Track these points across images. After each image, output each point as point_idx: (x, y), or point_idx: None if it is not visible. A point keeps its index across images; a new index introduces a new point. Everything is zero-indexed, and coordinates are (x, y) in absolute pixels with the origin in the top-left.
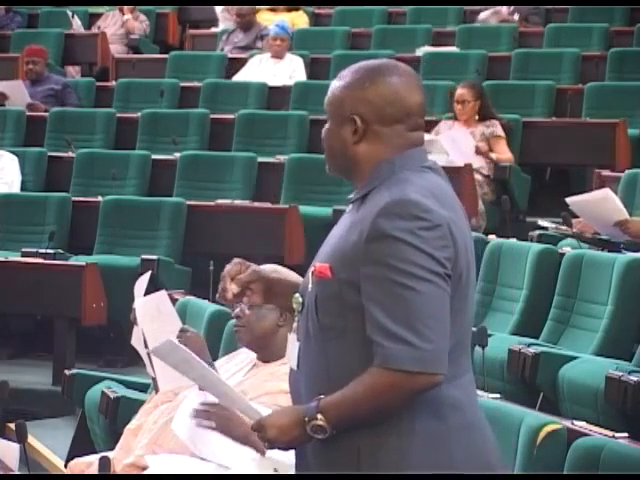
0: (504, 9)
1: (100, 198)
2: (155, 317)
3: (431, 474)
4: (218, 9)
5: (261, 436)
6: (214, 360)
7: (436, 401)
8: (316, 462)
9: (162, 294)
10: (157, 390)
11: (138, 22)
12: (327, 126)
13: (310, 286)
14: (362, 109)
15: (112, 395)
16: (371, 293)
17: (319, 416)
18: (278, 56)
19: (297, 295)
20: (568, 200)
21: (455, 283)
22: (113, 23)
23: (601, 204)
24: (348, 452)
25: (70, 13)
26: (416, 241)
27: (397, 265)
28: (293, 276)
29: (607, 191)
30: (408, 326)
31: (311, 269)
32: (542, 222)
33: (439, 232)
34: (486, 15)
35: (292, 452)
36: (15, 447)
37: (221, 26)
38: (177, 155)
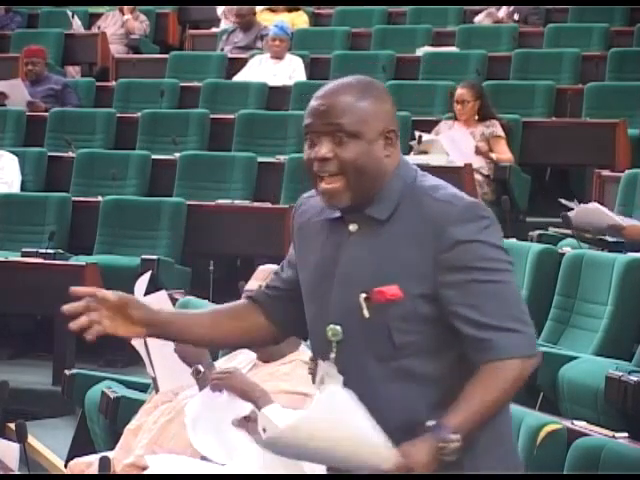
0: (502, 11)
1: (100, 198)
2: None
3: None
4: (219, 10)
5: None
6: (214, 360)
7: None
8: None
9: (162, 294)
10: (157, 390)
11: (138, 22)
12: (353, 146)
13: (366, 312)
14: (392, 122)
15: (112, 395)
16: (459, 298)
17: (454, 437)
18: (277, 56)
19: (332, 326)
20: (562, 214)
21: None
22: (113, 23)
23: (592, 213)
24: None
25: (70, 13)
26: (487, 238)
27: (480, 265)
28: None
29: (596, 205)
30: (507, 315)
31: (362, 296)
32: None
33: (497, 225)
34: (481, 18)
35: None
36: (15, 447)
37: (222, 26)
38: (177, 155)
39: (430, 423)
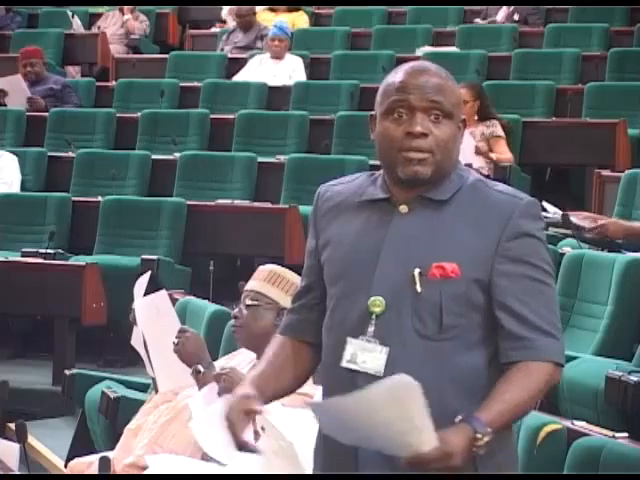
0: (502, 11)
1: (100, 198)
2: (155, 317)
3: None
4: (224, 10)
5: (443, 465)
6: (214, 360)
7: None
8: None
9: (162, 294)
10: (157, 390)
11: (138, 22)
12: (444, 126)
13: (419, 287)
14: (461, 109)
15: (112, 395)
16: (511, 289)
17: (490, 430)
18: (277, 56)
19: (375, 297)
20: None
21: None
22: (113, 23)
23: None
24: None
25: (70, 13)
26: (544, 239)
27: (536, 263)
28: (290, 275)
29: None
30: (550, 320)
31: (417, 270)
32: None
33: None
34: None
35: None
36: (15, 447)
37: (230, 26)
38: (177, 155)
39: (463, 415)
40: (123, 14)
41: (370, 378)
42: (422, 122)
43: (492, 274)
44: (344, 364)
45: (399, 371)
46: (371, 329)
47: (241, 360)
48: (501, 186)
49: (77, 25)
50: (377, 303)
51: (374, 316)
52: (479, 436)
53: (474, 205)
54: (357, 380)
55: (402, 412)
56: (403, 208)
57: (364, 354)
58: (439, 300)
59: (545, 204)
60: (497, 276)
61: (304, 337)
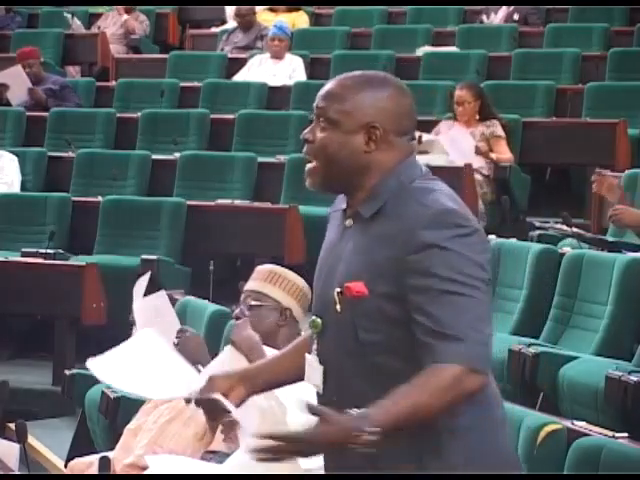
0: (501, 11)
1: (100, 198)
2: (154, 318)
3: (429, 474)
4: (228, 10)
5: (303, 448)
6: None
7: (485, 397)
8: (373, 467)
9: (161, 294)
10: None
11: (138, 22)
12: (327, 133)
13: (338, 307)
14: (382, 118)
15: (112, 395)
16: (421, 303)
17: (371, 429)
18: (277, 56)
19: (314, 318)
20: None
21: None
22: (113, 23)
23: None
24: (409, 457)
25: (69, 15)
26: (460, 249)
27: (444, 274)
28: (291, 275)
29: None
30: (460, 325)
31: (336, 290)
32: (539, 223)
33: (478, 237)
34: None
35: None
36: (15, 447)
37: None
38: (177, 155)
39: (356, 410)
40: (120, 14)
41: (318, 394)
42: (311, 128)
43: (403, 289)
44: (305, 380)
45: (333, 387)
46: (314, 347)
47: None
48: (427, 195)
49: (77, 25)
50: (315, 323)
51: (314, 335)
52: (357, 434)
53: (392, 220)
54: (316, 396)
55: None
56: (349, 222)
57: (313, 371)
58: (352, 319)
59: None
60: (408, 290)
61: None
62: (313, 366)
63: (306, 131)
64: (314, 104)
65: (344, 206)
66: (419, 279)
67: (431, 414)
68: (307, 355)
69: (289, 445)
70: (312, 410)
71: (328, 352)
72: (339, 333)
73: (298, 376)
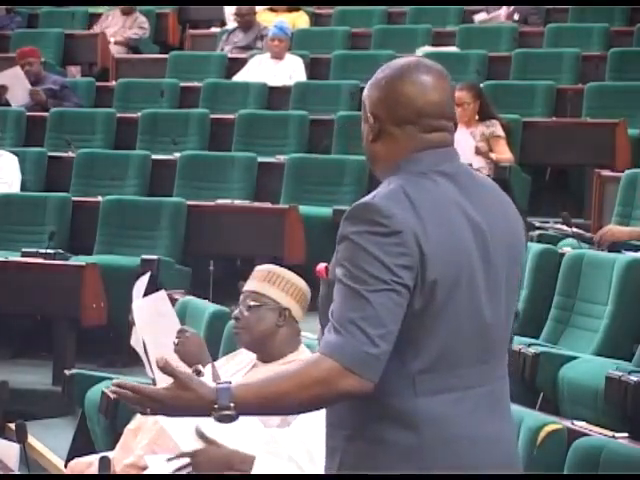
0: (502, 14)
1: (100, 198)
2: (154, 318)
3: (428, 474)
4: (227, 11)
5: (155, 406)
6: (214, 360)
7: (409, 413)
8: None
9: (161, 294)
10: None
11: (138, 28)
12: (363, 123)
13: (322, 284)
14: (377, 108)
15: (112, 395)
16: (335, 291)
17: (228, 404)
18: (277, 57)
19: None
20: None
21: (426, 294)
22: (114, 23)
23: None
24: (331, 453)
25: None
26: (367, 245)
27: (349, 268)
28: (289, 275)
29: None
30: (343, 324)
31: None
32: (539, 223)
33: (396, 239)
34: (482, 16)
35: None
36: (15, 447)
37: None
38: (177, 155)
39: (223, 384)
40: (123, 14)
41: None
42: None
43: None
44: None
45: None
46: None
47: (241, 360)
48: (375, 190)
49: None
50: None
51: None
52: (216, 406)
53: None
54: None
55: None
56: None
57: None
58: (318, 298)
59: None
60: None
61: None
62: None
63: None
64: None
65: None
66: (338, 268)
67: (296, 403)
68: None
69: (144, 399)
70: (168, 370)
71: None
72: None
73: None
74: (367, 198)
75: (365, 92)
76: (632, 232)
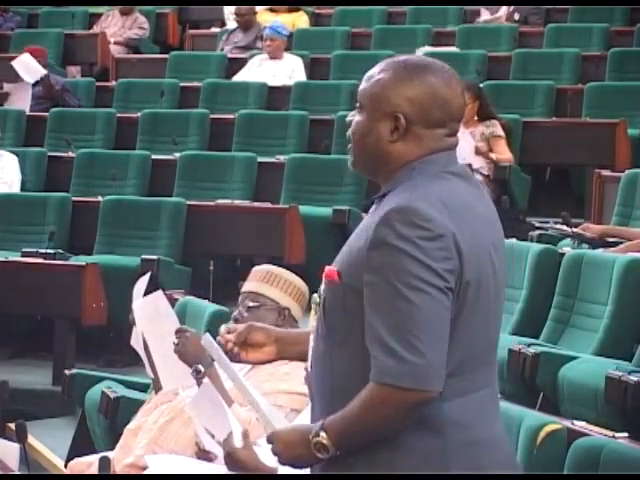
0: (502, 14)
1: (100, 198)
2: (154, 318)
3: (429, 474)
4: (228, 11)
5: (271, 449)
6: (214, 361)
7: (435, 418)
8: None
9: (159, 294)
10: (157, 391)
11: (137, 28)
12: (359, 117)
13: (322, 286)
14: (408, 108)
15: (112, 395)
16: (369, 301)
17: (322, 434)
18: (272, 56)
19: (315, 295)
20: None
21: (461, 296)
22: (113, 23)
23: None
24: (341, 467)
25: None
26: (415, 251)
27: (394, 275)
28: (287, 275)
29: None
30: (400, 339)
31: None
32: (539, 223)
33: (441, 243)
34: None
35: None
36: (15, 447)
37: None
38: (177, 155)
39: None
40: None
41: (307, 373)
42: (353, 111)
43: (363, 283)
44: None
45: (314, 368)
46: (314, 324)
47: None
48: (404, 193)
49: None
50: (314, 300)
51: (314, 313)
52: (310, 437)
53: (377, 212)
54: (308, 375)
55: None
56: (372, 208)
57: (309, 350)
58: (324, 302)
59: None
60: (364, 286)
61: None
62: (310, 345)
63: (352, 112)
64: None
65: None
66: (370, 277)
67: (370, 431)
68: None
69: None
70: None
71: (316, 332)
72: (320, 314)
73: None
74: (402, 202)
75: (381, 87)
76: (607, 228)
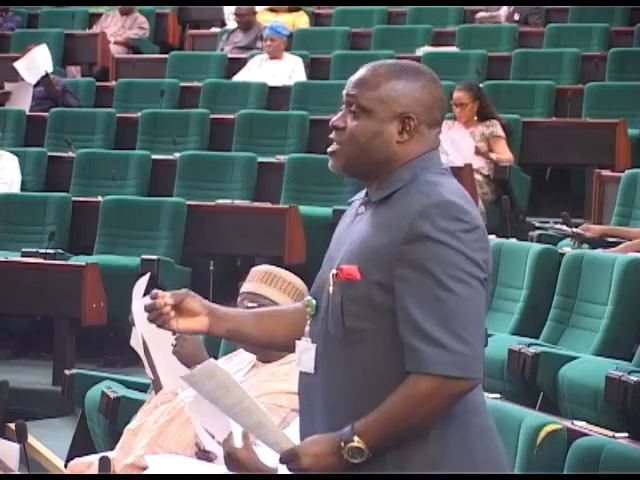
0: (502, 13)
1: (100, 198)
2: None
3: (426, 474)
4: (228, 11)
5: (294, 466)
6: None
7: (461, 407)
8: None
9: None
10: (157, 391)
11: (137, 28)
12: (361, 120)
13: (331, 289)
14: (416, 109)
15: (112, 395)
16: (407, 295)
17: (356, 438)
18: (272, 56)
19: (309, 298)
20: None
21: (487, 286)
22: (114, 23)
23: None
24: (374, 464)
25: None
26: (456, 243)
27: (436, 267)
28: (286, 275)
29: None
30: (446, 329)
31: (332, 272)
32: (539, 223)
33: (477, 234)
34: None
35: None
36: (15, 447)
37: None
38: (177, 155)
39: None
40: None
41: (309, 377)
42: (341, 115)
43: (393, 278)
44: (297, 366)
45: (323, 371)
46: (307, 329)
47: (241, 360)
48: (432, 187)
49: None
50: (309, 303)
51: (308, 316)
52: (342, 444)
53: (395, 207)
54: (303, 380)
55: (232, 398)
56: (362, 208)
57: (305, 354)
58: (341, 302)
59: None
60: (396, 280)
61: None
62: (304, 349)
63: (336, 118)
64: (344, 91)
65: (362, 196)
66: (408, 271)
67: (413, 426)
68: (297, 342)
69: (290, 464)
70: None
71: (318, 334)
72: (329, 316)
73: (266, 340)
74: (437, 196)
75: (390, 90)
76: (607, 229)
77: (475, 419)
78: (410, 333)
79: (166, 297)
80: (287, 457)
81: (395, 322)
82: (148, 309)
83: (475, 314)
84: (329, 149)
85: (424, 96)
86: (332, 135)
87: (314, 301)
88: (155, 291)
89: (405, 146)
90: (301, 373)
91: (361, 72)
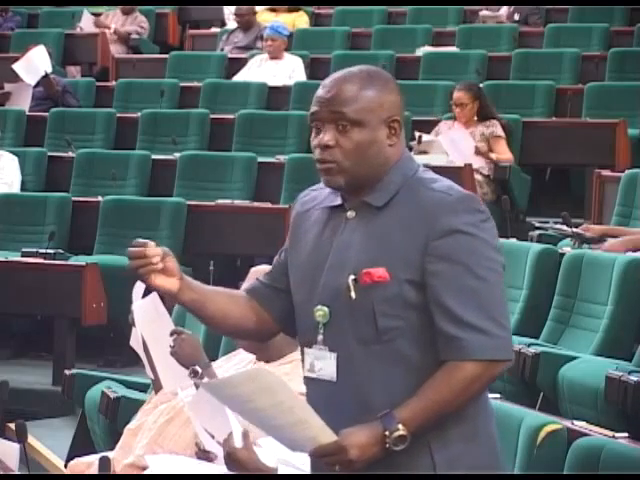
0: (503, 13)
1: (100, 198)
2: (153, 319)
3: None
4: (228, 11)
5: (339, 459)
6: (212, 361)
7: (484, 398)
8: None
9: (154, 296)
10: (157, 391)
11: (138, 27)
12: (354, 134)
13: (353, 294)
14: (396, 111)
15: (112, 395)
16: (443, 288)
17: (400, 426)
18: (272, 56)
19: (320, 307)
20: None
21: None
22: (114, 21)
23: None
24: (424, 466)
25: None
26: (481, 234)
27: (468, 258)
28: None
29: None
30: (485, 316)
31: (350, 278)
32: (539, 223)
33: (492, 222)
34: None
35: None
36: (15, 447)
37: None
38: (177, 155)
39: (381, 413)
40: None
41: (328, 385)
42: (329, 134)
43: (424, 274)
44: (305, 373)
45: (349, 376)
46: (320, 337)
47: (240, 360)
48: (438, 183)
49: (87, 18)
50: (321, 313)
51: (321, 325)
52: (387, 433)
53: (408, 206)
54: (319, 388)
55: (272, 399)
56: (350, 214)
57: (319, 362)
58: (371, 305)
59: None
60: (428, 276)
61: (268, 308)
62: (319, 357)
63: (324, 137)
64: (317, 109)
65: (338, 202)
66: (442, 265)
67: (454, 409)
68: (307, 350)
69: (334, 457)
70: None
71: (336, 342)
72: (352, 321)
73: (221, 319)
74: (455, 190)
75: (374, 99)
76: (606, 229)
77: (490, 410)
78: (449, 324)
79: (156, 248)
80: (331, 450)
81: (422, 316)
82: (136, 255)
83: (504, 298)
84: (323, 167)
85: (396, 98)
86: (323, 154)
87: (327, 309)
88: (143, 240)
89: (394, 148)
90: (315, 380)
91: (333, 89)
